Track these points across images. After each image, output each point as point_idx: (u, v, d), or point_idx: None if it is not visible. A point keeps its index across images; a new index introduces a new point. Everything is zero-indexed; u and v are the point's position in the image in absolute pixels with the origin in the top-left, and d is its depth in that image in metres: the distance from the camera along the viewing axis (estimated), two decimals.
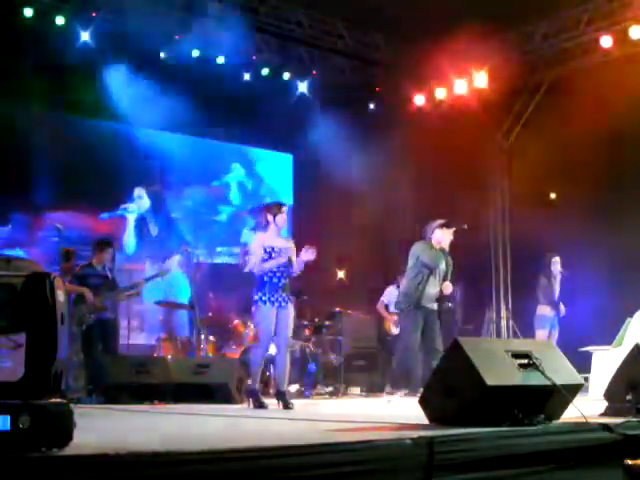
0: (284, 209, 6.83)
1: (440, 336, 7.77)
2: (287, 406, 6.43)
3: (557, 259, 9.85)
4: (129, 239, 12.20)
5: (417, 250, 7.90)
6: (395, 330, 10.14)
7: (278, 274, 6.64)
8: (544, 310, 9.75)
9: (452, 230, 7.92)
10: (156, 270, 9.86)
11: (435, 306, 7.88)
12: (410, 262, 7.93)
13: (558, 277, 9.82)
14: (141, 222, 12.45)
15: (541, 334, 9.60)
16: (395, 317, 9.95)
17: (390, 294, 10.55)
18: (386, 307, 10.71)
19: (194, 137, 12.55)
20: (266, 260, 6.62)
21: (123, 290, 9.00)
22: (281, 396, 6.56)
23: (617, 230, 10.24)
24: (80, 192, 11.00)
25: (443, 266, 7.85)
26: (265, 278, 6.63)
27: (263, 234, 6.78)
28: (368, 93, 12.99)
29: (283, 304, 6.64)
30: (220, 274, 11.79)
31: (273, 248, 6.64)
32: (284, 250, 6.69)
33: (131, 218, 12.33)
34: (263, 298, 6.58)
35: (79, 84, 10.44)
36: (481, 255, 12.92)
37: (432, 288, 7.81)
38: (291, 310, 6.75)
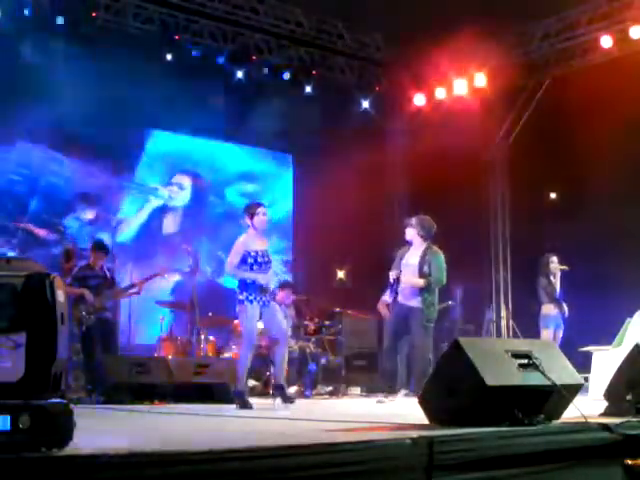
0: (260, 210, 6.57)
1: (417, 332, 7.65)
2: (287, 400, 6.35)
3: (554, 258, 9.89)
4: (133, 226, 11.61)
5: None
6: None
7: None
8: (548, 309, 9.76)
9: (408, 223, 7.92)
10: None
11: (410, 302, 7.71)
12: None
13: (557, 274, 9.85)
14: (159, 214, 11.85)
15: (546, 333, 9.60)
16: None
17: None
18: (387, 306, 10.67)
19: (193, 137, 12.54)
20: (252, 265, 6.43)
21: (123, 290, 9.11)
22: (280, 390, 6.48)
23: (617, 230, 10.24)
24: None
25: (412, 261, 7.79)
26: (248, 280, 6.47)
27: (244, 237, 6.56)
28: (368, 93, 12.99)
29: (266, 302, 6.53)
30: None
31: (257, 252, 6.46)
32: (267, 255, 6.55)
33: (154, 203, 11.68)
34: (249, 297, 6.41)
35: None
36: (481, 255, 12.92)
37: (402, 284, 7.79)
38: (276, 306, 6.77)
